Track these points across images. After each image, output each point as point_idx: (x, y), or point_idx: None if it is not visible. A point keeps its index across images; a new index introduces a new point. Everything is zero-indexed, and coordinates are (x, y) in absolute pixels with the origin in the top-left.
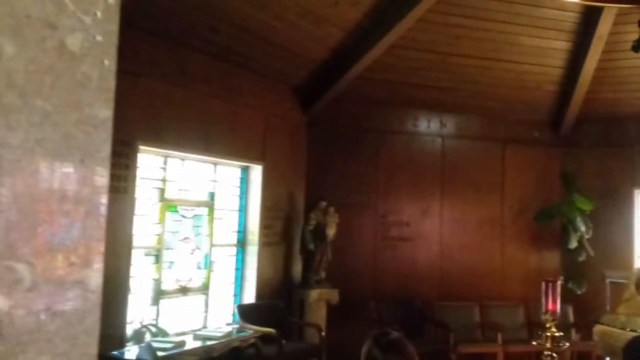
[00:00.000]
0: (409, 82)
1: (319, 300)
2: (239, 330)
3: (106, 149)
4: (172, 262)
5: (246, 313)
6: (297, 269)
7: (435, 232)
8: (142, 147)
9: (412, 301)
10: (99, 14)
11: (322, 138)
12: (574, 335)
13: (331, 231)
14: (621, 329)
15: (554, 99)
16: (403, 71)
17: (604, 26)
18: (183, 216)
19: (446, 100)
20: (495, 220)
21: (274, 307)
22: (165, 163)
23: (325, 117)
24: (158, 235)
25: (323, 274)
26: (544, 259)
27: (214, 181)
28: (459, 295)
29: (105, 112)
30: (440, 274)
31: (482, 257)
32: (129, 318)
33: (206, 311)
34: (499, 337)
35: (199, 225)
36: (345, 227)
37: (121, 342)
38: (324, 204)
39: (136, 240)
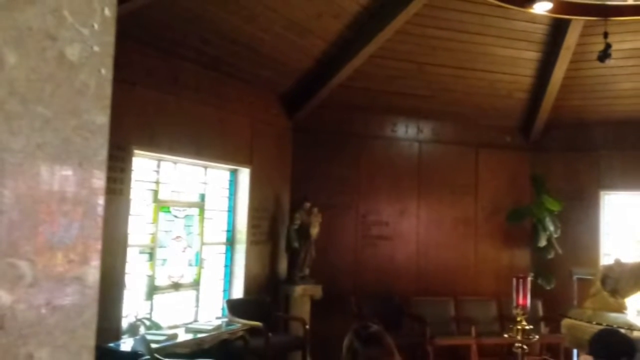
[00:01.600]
0: (388, 90)
1: (303, 296)
2: (228, 324)
3: (103, 153)
4: (165, 260)
5: (235, 307)
6: (283, 266)
7: (412, 231)
8: (136, 151)
9: (390, 296)
10: (96, 26)
11: (306, 143)
12: (543, 328)
13: (315, 230)
14: (588, 322)
15: (525, 106)
16: (382, 80)
17: (572, 37)
18: (175, 216)
19: (423, 107)
20: (469, 220)
21: (261, 302)
22: (158, 166)
23: (309, 123)
24: (152, 234)
25: (307, 271)
26: (515, 257)
27: (205, 183)
28: (435, 290)
29: (102, 118)
30: (417, 271)
31: (456, 255)
32: (124, 312)
33: (197, 306)
34: (473, 330)
35: (190, 224)
36: (328, 227)
37: (117, 334)
38: (308, 204)
39: (131, 239)
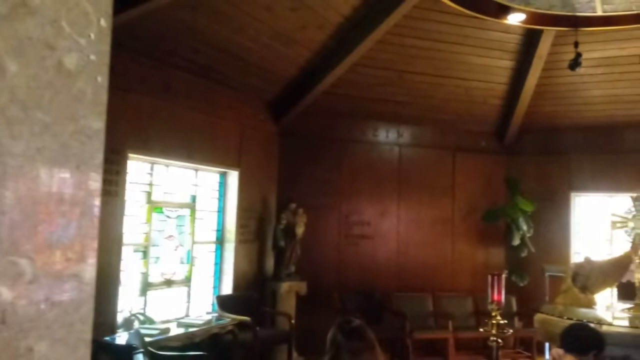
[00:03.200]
0: (370, 97)
1: (289, 292)
2: (218, 319)
3: (99, 157)
4: (158, 258)
5: (224, 303)
6: (270, 263)
7: (393, 231)
8: (131, 155)
9: (372, 292)
10: (92, 36)
11: (292, 147)
12: (517, 322)
13: (300, 230)
14: (559, 317)
15: (499, 112)
16: (364, 87)
17: (544, 47)
18: (168, 216)
19: (403, 113)
20: (446, 220)
21: (249, 297)
22: (151, 169)
23: (295, 128)
24: (145, 233)
25: (293, 268)
26: (490, 255)
27: (196, 185)
28: (414, 286)
29: (98, 124)
30: (397, 268)
31: (435, 253)
32: (119, 307)
33: (188, 301)
34: (450, 324)
35: (182, 224)
36: (313, 227)
37: (112, 329)
38: (293, 205)
39: (126, 238)
